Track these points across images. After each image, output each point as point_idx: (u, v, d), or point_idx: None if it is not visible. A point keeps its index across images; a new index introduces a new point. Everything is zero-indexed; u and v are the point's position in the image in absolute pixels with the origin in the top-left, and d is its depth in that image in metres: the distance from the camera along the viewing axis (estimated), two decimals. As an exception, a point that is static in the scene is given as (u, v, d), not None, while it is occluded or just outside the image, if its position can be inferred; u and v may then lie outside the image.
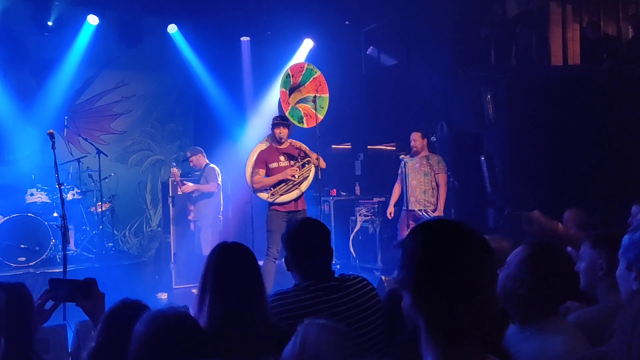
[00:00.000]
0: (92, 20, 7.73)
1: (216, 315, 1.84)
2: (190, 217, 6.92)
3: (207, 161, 6.93)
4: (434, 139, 6.17)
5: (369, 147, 8.56)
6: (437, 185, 5.99)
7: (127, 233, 8.58)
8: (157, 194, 8.66)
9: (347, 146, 8.98)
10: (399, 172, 6.22)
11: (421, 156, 6.09)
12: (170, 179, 7.16)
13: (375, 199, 7.66)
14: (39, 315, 1.91)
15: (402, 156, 6.15)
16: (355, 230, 7.67)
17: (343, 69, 8.27)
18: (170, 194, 7.18)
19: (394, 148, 8.23)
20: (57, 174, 4.36)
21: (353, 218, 7.78)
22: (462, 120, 6.69)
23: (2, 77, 7.57)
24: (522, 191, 5.49)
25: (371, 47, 8.54)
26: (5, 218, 6.29)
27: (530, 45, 7.04)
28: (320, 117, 6.12)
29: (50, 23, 7.69)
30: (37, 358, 1.73)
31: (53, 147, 4.32)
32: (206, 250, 6.57)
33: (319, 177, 5.64)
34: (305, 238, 2.27)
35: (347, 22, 8.38)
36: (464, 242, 1.06)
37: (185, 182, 6.77)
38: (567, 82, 5.84)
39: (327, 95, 6.31)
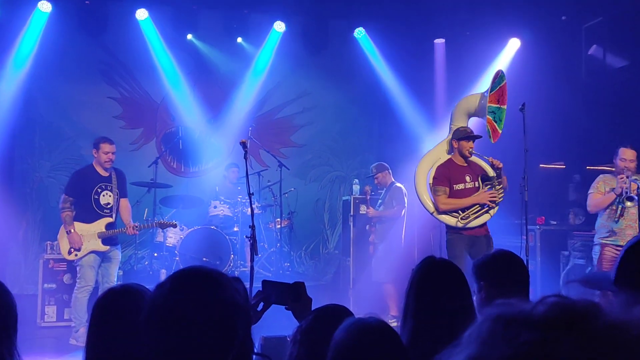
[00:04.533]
0: (279, 27, 7.69)
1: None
2: (370, 239, 6.50)
3: (393, 179, 6.47)
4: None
5: (587, 167, 7.20)
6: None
7: (302, 254, 8.25)
8: (336, 212, 8.20)
9: (560, 166, 7.75)
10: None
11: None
12: (352, 196, 6.83)
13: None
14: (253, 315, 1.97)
15: (635, 177, 5.14)
16: (568, 268, 6.50)
17: (556, 73, 7.15)
18: (352, 213, 6.69)
19: (623, 169, 6.76)
20: (248, 183, 4.03)
21: (565, 253, 6.64)
22: None
23: (193, 88, 7.70)
24: None
25: (594, 45, 7.25)
26: (190, 230, 6.47)
27: None
28: (499, 131, 5.26)
29: (239, 39, 7.73)
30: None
31: (245, 157, 4.03)
32: (376, 276, 6.28)
33: (526, 199, 4.81)
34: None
35: (563, 18, 7.21)
36: None
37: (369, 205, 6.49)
38: None
39: (505, 107, 5.36)
